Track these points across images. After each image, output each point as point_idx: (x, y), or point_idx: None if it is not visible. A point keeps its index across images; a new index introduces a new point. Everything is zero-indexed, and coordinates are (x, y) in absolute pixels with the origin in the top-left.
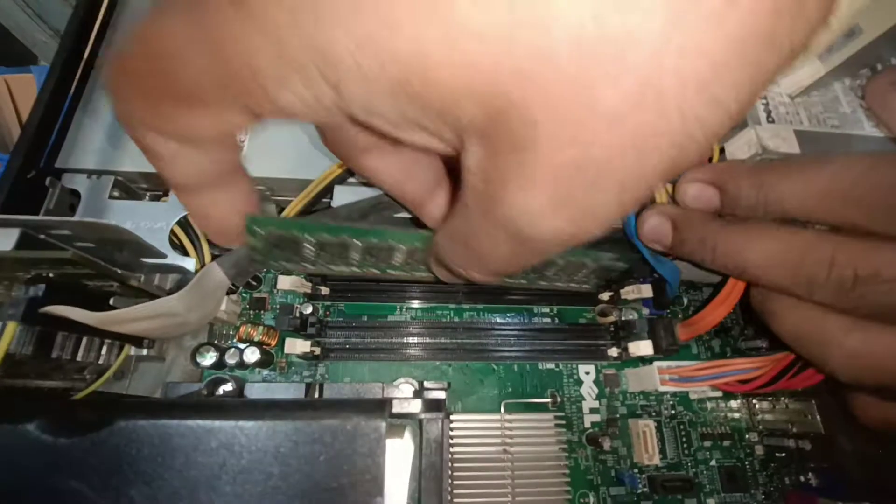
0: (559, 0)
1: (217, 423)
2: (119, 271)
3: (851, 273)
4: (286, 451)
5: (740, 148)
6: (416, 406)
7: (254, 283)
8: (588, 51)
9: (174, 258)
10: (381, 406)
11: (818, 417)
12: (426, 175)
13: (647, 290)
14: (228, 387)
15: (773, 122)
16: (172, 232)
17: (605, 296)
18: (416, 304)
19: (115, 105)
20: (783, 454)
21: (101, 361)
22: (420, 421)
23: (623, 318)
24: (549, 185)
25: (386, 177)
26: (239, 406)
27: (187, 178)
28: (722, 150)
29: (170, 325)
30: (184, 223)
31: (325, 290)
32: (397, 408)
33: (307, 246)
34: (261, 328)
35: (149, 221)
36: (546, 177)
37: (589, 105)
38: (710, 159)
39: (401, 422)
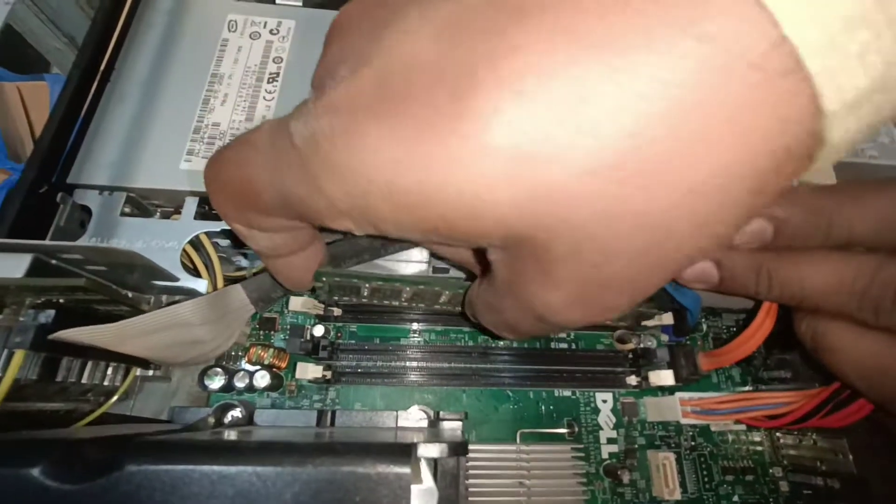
0: (559, 161)
1: (234, 468)
2: (129, 294)
3: None
4: (306, 499)
5: None
6: (440, 450)
7: None
8: (589, 194)
9: (186, 280)
10: (405, 451)
11: (850, 457)
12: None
13: (666, 317)
14: (237, 413)
15: None
16: (184, 252)
17: (622, 321)
18: (429, 326)
19: (210, 197)
20: (810, 492)
21: (106, 383)
22: (462, 444)
23: (642, 346)
24: (567, 289)
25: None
26: (256, 449)
27: (267, 251)
28: None
29: (182, 342)
30: (196, 243)
31: (337, 312)
32: (421, 451)
33: (363, 289)
34: (271, 350)
35: (160, 240)
36: (565, 284)
37: (601, 238)
38: None
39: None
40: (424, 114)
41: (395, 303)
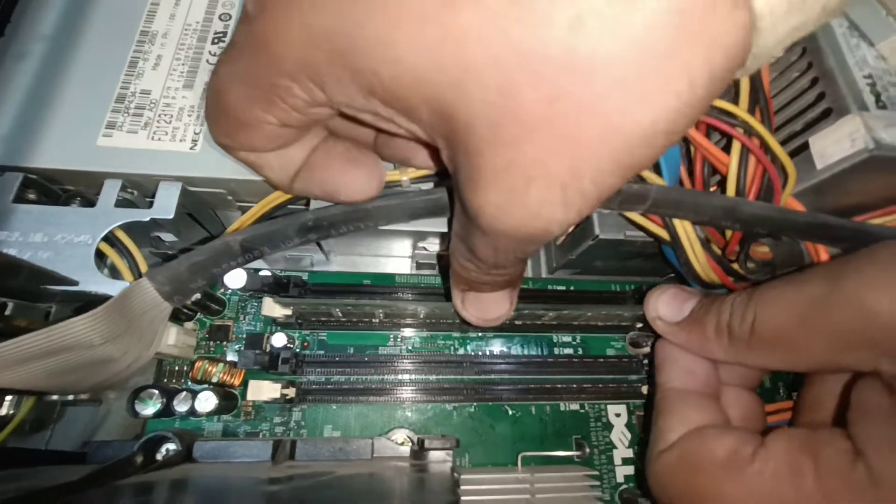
0: (472, 21)
1: None
2: (9, 305)
3: None
4: None
5: (838, 143)
6: None
7: (215, 308)
8: (505, 64)
9: (92, 284)
10: None
11: None
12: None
13: None
14: (172, 446)
15: (883, 107)
16: (99, 251)
17: (638, 322)
18: (412, 332)
19: (211, 132)
20: None
21: (3, 412)
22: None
23: None
24: (493, 185)
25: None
26: None
27: (281, 169)
28: (805, 146)
29: (84, 365)
30: (111, 238)
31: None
32: None
33: (335, 311)
34: (221, 365)
35: (68, 233)
36: (489, 177)
37: (513, 110)
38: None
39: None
40: None
41: (374, 320)
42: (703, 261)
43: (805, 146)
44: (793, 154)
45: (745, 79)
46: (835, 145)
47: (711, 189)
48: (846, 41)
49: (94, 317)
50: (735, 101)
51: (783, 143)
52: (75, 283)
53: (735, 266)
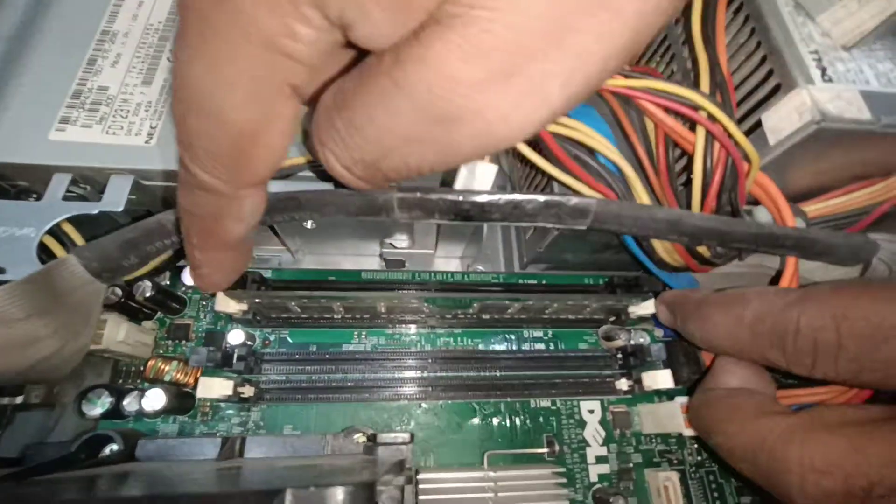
0: None
1: None
2: None
3: None
4: None
5: (787, 117)
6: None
7: (175, 306)
8: None
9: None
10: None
11: None
12: None
13: (648, 306)
14: (115, 446)
15: (829, 80)
16: (43, 245)
17: (611, 315)
18: (376, 329)
19: None
20: None
21: None
22: (372, 485)
23: (633, 342)
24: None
25: None
26: None
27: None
28: (759, 124)
29: (10, 347)
30: (56, 231)
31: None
32: (291, 499)
33: (292, 306)
34: (175, 363)
35: (10, 226)
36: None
37: None
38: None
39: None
40: None
41: (336, 316)
42: (668, 244)
43: (759, 124)
44: (749, 132)
45: (704, 59)
46: (784, 120)
47: (677, 174)
48: (792, 19)
49: (12, 287)
50: (696, 83)
51: (739, 121)
52: (2, 271)
53: (701, 249)
